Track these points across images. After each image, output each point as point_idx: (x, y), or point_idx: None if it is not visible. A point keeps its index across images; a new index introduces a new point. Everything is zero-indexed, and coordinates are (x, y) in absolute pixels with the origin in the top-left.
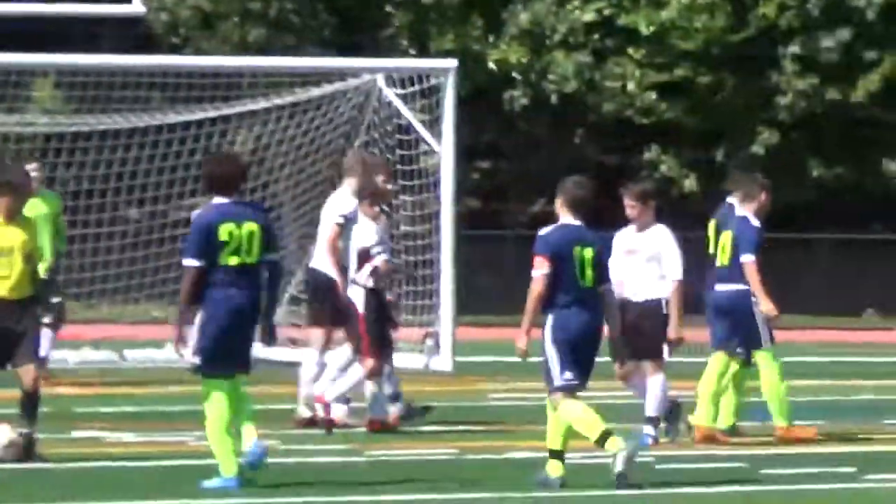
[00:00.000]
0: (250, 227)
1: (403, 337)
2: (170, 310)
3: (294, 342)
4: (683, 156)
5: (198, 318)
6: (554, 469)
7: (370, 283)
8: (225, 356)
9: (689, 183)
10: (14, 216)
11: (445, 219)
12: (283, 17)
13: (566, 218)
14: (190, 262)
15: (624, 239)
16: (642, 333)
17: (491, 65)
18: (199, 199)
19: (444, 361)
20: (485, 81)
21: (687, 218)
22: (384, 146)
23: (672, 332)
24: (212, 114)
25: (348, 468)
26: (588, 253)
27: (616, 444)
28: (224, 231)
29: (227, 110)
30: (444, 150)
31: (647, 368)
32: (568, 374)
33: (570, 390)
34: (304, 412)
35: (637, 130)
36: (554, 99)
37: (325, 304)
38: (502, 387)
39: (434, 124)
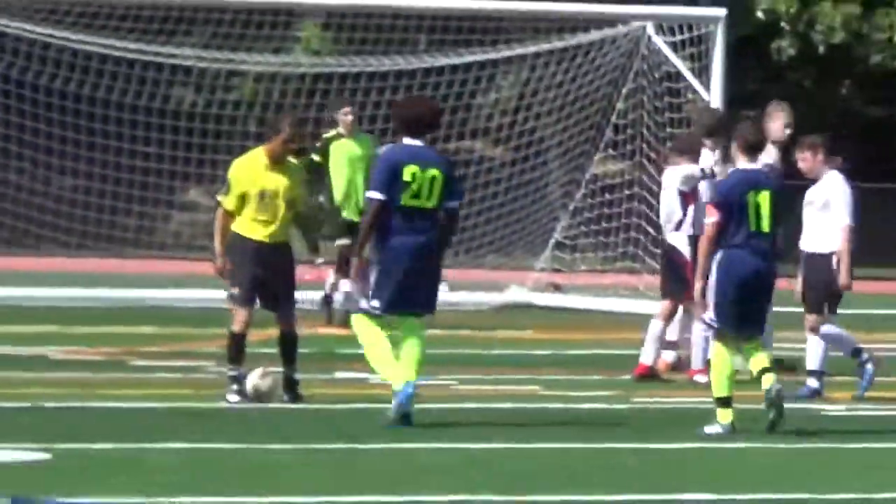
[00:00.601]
0: (433, 172)
1: None
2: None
3: (557, 287)
4: None
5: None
6: (723, 416)
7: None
8: (398, 296)
9: None
10: (279, 160)
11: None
12: None
13: (741, 163)
14: (373, 195)
15: (807, 193)
16: (810, 287)
17: (759, 14)
18: (464, 143)
19: None
20: (752, 30)
21: None
22: (652, 94)
23: (841, 278)
24: (479, 57)
25: (610, 414)
26: (763, 198)
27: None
28: (408, 172)
29: (493, 54)
30: (712, 99)
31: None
32: (721, 319)
33: (718, 336)
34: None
35: None
36: (821, 49)
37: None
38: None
39: (702, 72)
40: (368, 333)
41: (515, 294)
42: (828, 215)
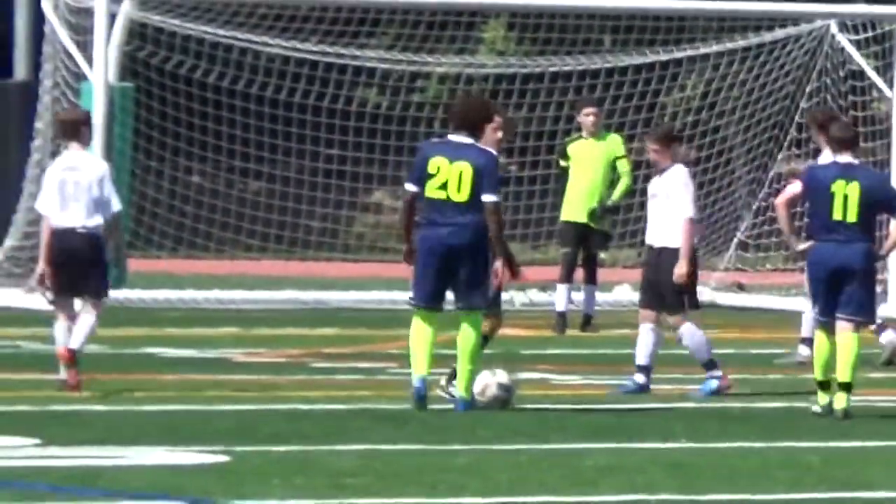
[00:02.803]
0: (461, 165)
1: None
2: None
3: (741, 287)
4: None
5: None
6: (820, 398)
7: None
8: (427, 290)
9: None
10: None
11: (895, 166)
12: None
13: (836, 156)
14: (408, 187)
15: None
16: (659, 283)
17: None
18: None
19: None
20: None
21: None
22: (836, 92)
23: (676, 269)
24: (663, 57)
25: (790, 414)
26: (852, 189)
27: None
28: (433, 164)
29: (678, 54)
30: (895, 97)
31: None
32: (816, 307)
33: (820, 325)
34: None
35: None
36: None
37: None
38: None
39: (886, 70)
40: (412, 324)
41: (699, 294)
42: (672, 208)
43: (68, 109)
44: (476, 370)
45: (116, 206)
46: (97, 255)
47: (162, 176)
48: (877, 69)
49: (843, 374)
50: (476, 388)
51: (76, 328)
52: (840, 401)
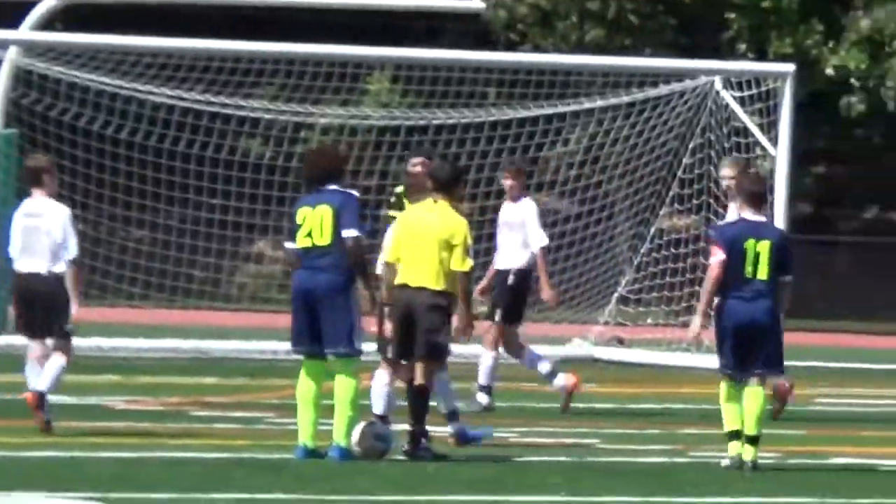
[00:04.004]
0: (322, 209)
1: None
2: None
3: (621, 342)
4: None
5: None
6: (731, 448)
7: None
8: (298, 335)
9: None
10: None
11: (778, 223)
12: (621, 17)
13: (744, 212)
14: (287, 245)
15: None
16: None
17: (829, 70)
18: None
19: None
20: (821, 87)
21: None
22: (720, 148)
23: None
24: (547, 111)
25: (671, 468)
26: (763, 247)
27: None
28: (300, 215)
29: (562, 108)
30: (779, 154)
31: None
32: (723, 361)
33: (726, 377)
34: None
35: None
36: (891, 106)
37: None
38: (827, 391)
39: (770, 128)
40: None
41: (578, 347)
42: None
43: (33, 157)
44: (355, 418)
45: (72, 252)
46: (62, 298)
47: None
48: (761, 126)
49: (750, 427)
50: (354, 438)
51: (44, 371)
52: (748, 453)
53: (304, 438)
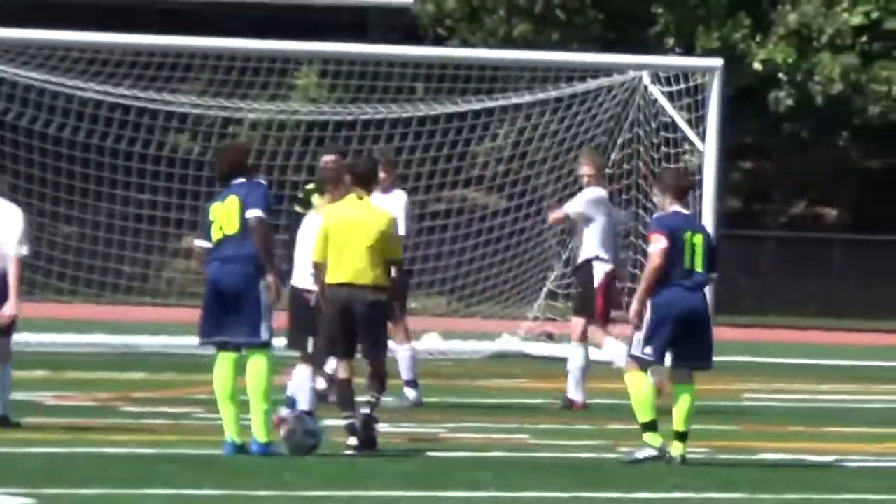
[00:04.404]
0: (231, 201)
1: None
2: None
3: (550, 337)
4: None
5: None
6: (652, 439)
7: None
8: (206, 326)
9: None
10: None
11: (706, 218)
12: (549, 12)
13: (674, 206)
14: (197, 243)
15: None
16: None
17: (756, 65)
18: (457, 192)
19: None
20: (749, 81)
21: None
22: (648, 144)
23: None
24: (475, 106)
25: (601, 464)
26: (698, 240)
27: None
28: (212, 211)
29: (489, 103)
30: (707, 149)
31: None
32: (648, 349)
33: (644, 365)
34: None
35: None
36: (819, 101)
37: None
38: (757, 387)
39: (698, 123)
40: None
41: (508, 343)
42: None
43: None
44: (270, 410)
45: (23, 251)
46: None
47: None
48: (689, 121)
49: (679, 423)
50: (282, 434)
51: None
52: (677, 449)
53: (231, 434)
